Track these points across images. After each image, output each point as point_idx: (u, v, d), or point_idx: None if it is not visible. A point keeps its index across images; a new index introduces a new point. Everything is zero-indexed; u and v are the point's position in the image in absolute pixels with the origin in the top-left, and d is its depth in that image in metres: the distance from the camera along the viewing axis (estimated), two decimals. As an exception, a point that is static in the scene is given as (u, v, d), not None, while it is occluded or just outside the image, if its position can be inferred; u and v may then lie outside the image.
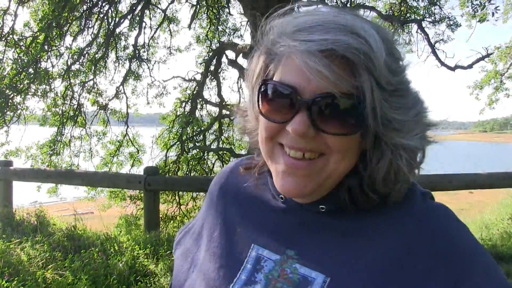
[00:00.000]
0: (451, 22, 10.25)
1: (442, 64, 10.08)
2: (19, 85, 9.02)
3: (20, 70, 8.85)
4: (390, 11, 11.21)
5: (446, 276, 0.77)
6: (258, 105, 0.86)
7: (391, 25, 11.16)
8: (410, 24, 10.90)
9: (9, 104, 9.02)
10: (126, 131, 11.45)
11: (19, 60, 8.92)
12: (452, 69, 10.04)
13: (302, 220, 0.93)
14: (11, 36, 8.88)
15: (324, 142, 0.80)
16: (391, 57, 0.79)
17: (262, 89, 0.85)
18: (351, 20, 0.78)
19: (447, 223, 0.84)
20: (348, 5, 10.53)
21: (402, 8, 10.80)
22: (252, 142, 1.02)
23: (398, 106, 0.80)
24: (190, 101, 11.17)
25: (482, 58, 10.01)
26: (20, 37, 9.19)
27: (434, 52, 10.20)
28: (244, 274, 0.91)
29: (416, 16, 10.62)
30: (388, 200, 0.86)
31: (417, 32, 10.75)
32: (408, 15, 10.72)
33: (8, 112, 9.21)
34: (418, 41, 10.84)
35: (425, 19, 10.32)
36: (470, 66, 9.98)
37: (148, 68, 11.68)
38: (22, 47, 9.12)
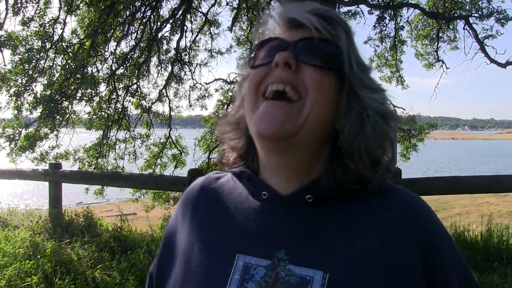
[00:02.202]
0: (501, 16, 9.66)
1: (492, 61, 9.64)
2: (67, 90, 9.34)
3: (68, 76, 9.17)
4: (434, 8, 10.89)
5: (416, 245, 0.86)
6: (250, 64, 0.94)
7: (436, 22, 10.84)
8: (455, 20, 10.53)
9: (58, 108, 9.36)
10: (169, 133, 11.62)
11: (67, 66, 9.24)
12: (503, 65, 9.54)
13: (287, 214, 0.90)
14: (60, 43, 9.22)
15: (303, 80, 0.85)
16: (358, 52, 0.94)
17: (253, 50, 0.95)
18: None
19: (424, 211, 0.93)
20: (390, 3, 10.32)
21: (446, 4, 10.45)
22: (226, 141, 1.05)
23: (367, 73, 0.93)
24: (231, 103, 11.24)
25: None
26: (68, 44, 9.53)
27: (482, 49, 9.76)
28: (232, 286, 0.84)
29: (462, 12, 10.24)
30: (371, 187, 0.89)
31: (464, 28, 10.34)
32: (453, 11, 10.35)
33: (57, 117, 9.55)
34: (464, 37, 10.47)
35: (472, 14, 9.91)
36: (522, 62, 9.49)
37: (190, 71, 11.83)
38: (70, 53, 9.45)
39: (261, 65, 0.90)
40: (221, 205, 0.98)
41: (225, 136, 1.05)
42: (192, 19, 11.58)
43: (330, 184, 0.88)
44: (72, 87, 9.50)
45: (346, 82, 0.88)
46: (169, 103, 11.71)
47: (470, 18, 9.82)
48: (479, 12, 9.80)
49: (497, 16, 9.68)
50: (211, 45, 12.32)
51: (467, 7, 10.20)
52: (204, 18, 11.53)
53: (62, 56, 9.36)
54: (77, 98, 10.04)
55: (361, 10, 11.43)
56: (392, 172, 0.92)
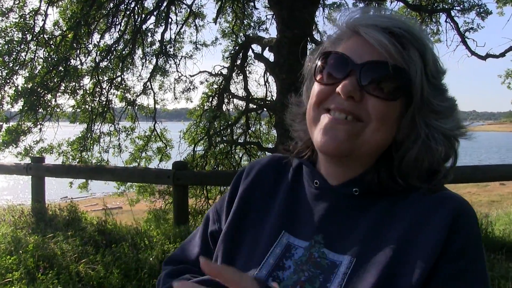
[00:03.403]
0: (481, 10, 9.87)
1: (473, 53, 9.79)
2: (49, 83, 9.20)
3: (51, 68, 9.03)
4: (417, 1, 10.98)
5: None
6: (315, 73, 0.95)
7: (419, 15, 10.93)
8: (438, 13, 10.63)
9: (41, 102, 9.22)
10: (154, 126, 11.54)
11: (50, 59, 9.10)
12: (483, 58, 9.72)
13: (333, 203, 0.96)
14: (41, 35, 9.06)
15: (366, 109, 0.87)
16: (437, 60, 0.91)
17: (320, 59, 0.94)
18: (411, 23, 0.91)
19: (464, 210, 0.88)
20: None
21: (430, -3, 10.55)
22: (295, 129, 1.08)
23: (438, 94, 0.90)
24: (217, 95, 11.19)
25: (515, 46, 9.68)
26: (50, 36, 9.38)
27: (463, 42, 9.91)
28: (272, 258, 0.94)
29: (444, 5, 10.35)
30: (423, 190, 0.90)
31: (446, 21, 10.48)
32: (436, 4, 10.45)
33: (40, 110, 9.42)
34: (447, 30, 10.59)
35: (454, 7, 10.02)
36: (502, 55, 9.63)
37: (175, 63, 11.72)
38: (52, 46, 9.30)
39: (324, 84, 0.92)
40: (281, 184, 1.07)
41: (294, 125, 1.09)
42: (177, 11, 11.48)
43: (375, 180, 0.92)
44: (55, 80, 9.35)
45: (413, 109, 0.88)
46: (154, 96, 11.62)
47: (452, 11, 9.94)
48: (461, 6, 9.93)
49: (478, 10, 9.85)
50: (196, 37, 12.24)
51: (450, 1, 10.32)
52: (188, 10, 11.43)
53: (44, 48, 9.20)
54: (60, 91, 9.89)
55: (346, 2, 11.46)
56: (450, 178, 0.93)
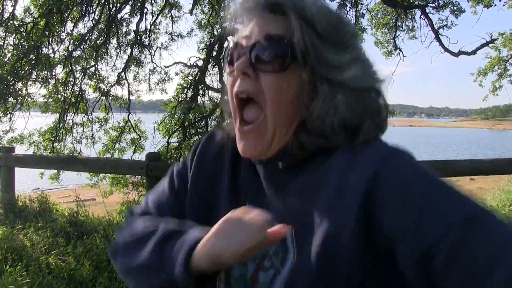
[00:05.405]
0: (455, 8, 10.11)
1: (446, 50, 10.01)
2: (20, 72, 8.98)
3: (21, 56, 8.82)
4: (393, -4, 11.11)
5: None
6: (224, 68, 1.05)
7: (395, 11, 11.07)
8: (413, 9, 10.79)
9: (11, 90, 9.00)
10: (128, 117, 11.41)
11: (20, 46, 8.88)
12: (456, 54, 9.97)
13: (268, 176, 0.99)
14: (11, 22, 8.82)
15: (261, 86, 0.90)
16: (331, 15, 0.91)
17: (225, 54, 1.00)
18: None
19: (392, 153, 0.85)
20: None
21: (405, -7, 10.69)
22: (226, 110, 1.08)
23: (335, 50, 0.89)
24: (192, 87, 11.12)
25: (486, 44, 9.93)
26: (21, 23, 9.13)
27: (437, 38, 10.13)
28: None
29: (419, 2, 10.51)
30: (356, 139, 0.88)
31: (420, 17, 10.67)
32: (411, 0, 10.60)
33: (10, 99, 9.20)
34: (421, 27, 10.78)
35: (428, 4, 10.20)
36: (473, 52, 9.90)
37: (150, 54, 11.59)
38: (22, 33, 9.07)
39: (229, 73, 0.98)
40: (223, 163, 1.09)
41: (225, 108, 1.08)
42: (153, 1, 11.33)
43: (296, 152, 0.93)
44: (26, 68, 9.13)
45: (310, 72, 0.88)
46: (128, 86, 11.48)
47: (426, 8, 10.12)
48: (436, 3, 10.12)
49: (452, 7, 10.06)
50: (172, 28, 12.12)
51: (424, -3, 10.49)
52: (164, 0, 11.30)
53: (14, 35, 8.96)
54: (32, 80, 9.68)
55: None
56: (382, 131, 0.94)
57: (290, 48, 0.87)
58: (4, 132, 9.62)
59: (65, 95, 10.56)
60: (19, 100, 9.53)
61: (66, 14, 9.66)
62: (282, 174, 0.96)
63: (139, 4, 10.60)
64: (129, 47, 11.16)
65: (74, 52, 10.21)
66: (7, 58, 8.98)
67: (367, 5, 11.71)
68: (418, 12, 10.70)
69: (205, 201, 1.06)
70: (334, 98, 0.87)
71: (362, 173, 0.81)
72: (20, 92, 9.48)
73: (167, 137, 10.81)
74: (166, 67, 11.97)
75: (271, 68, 0.88)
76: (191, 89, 11.08)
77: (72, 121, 10.86)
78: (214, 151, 1.12)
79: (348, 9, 11.40)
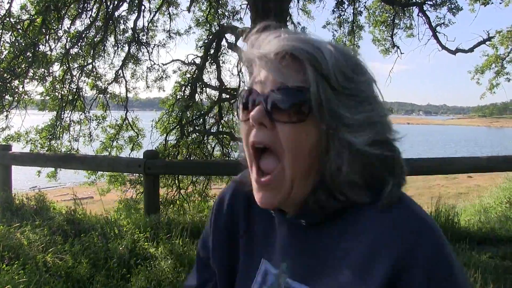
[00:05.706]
0: (453, 6, 10.14)
1: (443, 47, 10.02)
2: (17, 69, 8.95)
3: (18, 53, 8.78)
4: (391, -6, 11.12)
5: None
6: (238, 115, 0.98)
7: (392, 8, 11.08)
8: (411, 7, 10.81)
9: (8, 88, 8.97)
10: (126, 115, 11.41)
11: (17, 44, 8.84)
12: (453, 52, 9.98)
13: (290, 232, 0.99)
14: (7, 19, 8.78)
15: (278, 137, 0.87)
16: (347, 65, 0.87)
17: (238, 100, 0.98)
18: (311, 37, 0.89)
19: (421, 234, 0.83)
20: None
21: (403, -9, 10.70)
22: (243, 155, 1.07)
23: (349, 105, 0.86)
24: (189, 85, 11.10)
25: (483, 42, 9.94)
26: (17, 20, 9.09)
27: (435, 36, 10.15)
28: (256, 286, 1.02)
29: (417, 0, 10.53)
30: (378, 203, 0.87)
31: (418, 15, 10.69)
32: (409, -2, 10.63)
33: (7, 97, 9.17)
34: (419, 24, 10.79)
35: (426, 2, 10.21)
36: (471, 50, 9.91)
37: (148, 51, 11.61)
38: (19, 30, 9.03)
39: (244, 121, 0.94)
40: (253, 208, 1.10)
41: (241, 155, 1.07)
42: (150, -1, 11.32)
43: (315, 205, 0.91)
44: (23, 66, 9.10)
45: (325, 126, 0.86)
46: (126, 84, 11.48)
47: (424, 6, 10.13)
48: (433, 1, 10.13)
49: (449, 5, 10.10)
50: (170, 25, 12.10)
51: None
52: (162, -3, 11.29)
53: (10, 32, 8.92)
54: (29, 77, 9.65)
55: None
56: (403, 185, 0.91)
57: (307, 97, 0.84)
58: (1, 130, 9.60)
59: (62, 92, 10.54)
60: (16, 98, 9.50)
61: (63, 12, 9.64)
62: (304, 231, 0.96)
63: (136, 1, 10.57)
64: (126, 45, 11.16)
65: (71, 50, 10.20)
66: (4, 55, 8.95)
67: (365, 2, 11.75)
68: (415, 10, 10.75)
69: (227, 253, 1.13)
70: (343, 157, 0.86)
71: (388, 256, 0.81)
72: (17, 90, 9.44)
73: (165, 134, 10.81)
74: (163, 64, 11.99)
75: (288, 118, 0.86)
76: (189, 87, 11.07)
77: (69, 119, 10.87)
78: (229, 203, 1.16)
79: (346, 7, 11.42)
